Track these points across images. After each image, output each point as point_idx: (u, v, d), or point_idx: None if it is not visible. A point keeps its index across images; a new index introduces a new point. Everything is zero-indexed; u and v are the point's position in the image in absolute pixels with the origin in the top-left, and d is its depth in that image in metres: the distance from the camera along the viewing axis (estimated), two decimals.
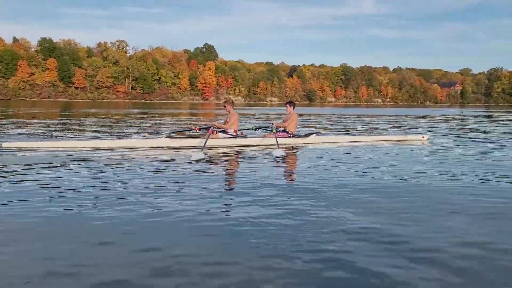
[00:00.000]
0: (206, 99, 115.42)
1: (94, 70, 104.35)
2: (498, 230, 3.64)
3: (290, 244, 3.16)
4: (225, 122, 9.72)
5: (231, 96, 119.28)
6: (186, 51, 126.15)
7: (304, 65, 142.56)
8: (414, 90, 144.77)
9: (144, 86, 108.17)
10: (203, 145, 8.21)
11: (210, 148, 8.80)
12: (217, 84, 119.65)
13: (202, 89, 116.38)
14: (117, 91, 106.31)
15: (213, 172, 6.39)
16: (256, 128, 10.28)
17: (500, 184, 5.64)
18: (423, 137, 11.29)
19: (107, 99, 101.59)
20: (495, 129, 17.57)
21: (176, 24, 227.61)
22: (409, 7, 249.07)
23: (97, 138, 10.71)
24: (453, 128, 17.83)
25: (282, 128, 9.93)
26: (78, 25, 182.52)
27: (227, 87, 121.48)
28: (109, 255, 2.95)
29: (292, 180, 5.80)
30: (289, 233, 3.41)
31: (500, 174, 6.31)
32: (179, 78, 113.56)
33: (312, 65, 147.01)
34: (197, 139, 9.24)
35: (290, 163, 7.55)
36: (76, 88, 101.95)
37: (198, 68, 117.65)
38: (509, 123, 22.56)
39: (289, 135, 9.84)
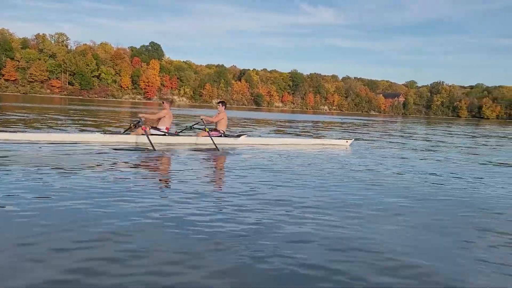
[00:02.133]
0: (149, 99, 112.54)
1: (27, 62, 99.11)
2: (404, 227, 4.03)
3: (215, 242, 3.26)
4: (158, 118, 9.83)
5: (175, 97, 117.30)
6: (132, 48, 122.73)
7: (254, 69, 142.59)
8: (359, 99, 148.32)
9: (82, 82, 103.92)
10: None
11: (143, 144, 8.85)
12: (161, 84, 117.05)
13: (145, 88, 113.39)
14: (52, 86, 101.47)
15: (144, 171, 6.29)
16: (191, 127, 10.86)
17: (411, 180, 6.60)
18: (346, 141, 11.96)
19: (40, 94, 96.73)
20: (411, 135, 19.66)
21: (133, 23, 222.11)
22: (366, 19, 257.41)
23: (31, 131, 10.36)
24: (375, 134, 19.60)
25: (214, 127, 10.33)
26: (31, 17, 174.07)
27: (172, 87, 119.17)
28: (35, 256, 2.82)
29: (218, 180, 5.94)
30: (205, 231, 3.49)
31: (410, 171, 7.54)
32: (121, 76, 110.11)
33: (264, 70, 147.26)
34: (131, 135, 9.30)
35: (219, 163, 7.74)
36: (6, 80, 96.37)
37: (142, 66, 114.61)
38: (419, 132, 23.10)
39: (220, 134, 10.18)
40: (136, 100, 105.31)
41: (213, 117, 10.43)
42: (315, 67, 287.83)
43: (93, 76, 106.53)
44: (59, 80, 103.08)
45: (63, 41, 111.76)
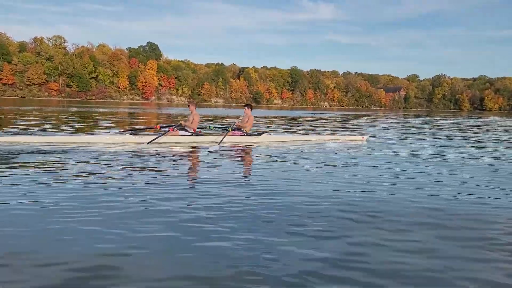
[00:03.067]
0: (147, 99, 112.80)
1: (25, 66, 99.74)
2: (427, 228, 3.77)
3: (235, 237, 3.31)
4: (191, 121, 10.32)
5: (173, 97, 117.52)
6: (130, 49, 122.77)
7: (254, 67, 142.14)
8: (360, 94, 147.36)
9: (79, 84, 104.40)
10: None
11: (171, 143, 9.45)
12: (158, 84, 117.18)
13: (143, 89, 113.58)
14: (50, 89, 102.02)
15: (171, 168, 6.54)
16: (213, 127, 11.22)
17: (424, 178, 6.26)
18: (362, 137, 12.24)
19: (38, 97, 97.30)
20: (426, 131, 18.94)
21: (133, 23, 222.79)
22: (367, 14, 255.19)
23: (60, 133, 10.80)
24: (391, 130, 19.47)
25: (238, 127, 10.77)
26: (31, 20, 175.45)
27: (169, 87, 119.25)
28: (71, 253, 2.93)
29: (242, 176, 6.04)
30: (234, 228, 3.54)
31: (426, 169, 7.11)
32: (118, 77, 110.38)
33: (264, 67, 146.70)
34: (158, 136, 9.49)
35: (243, 159, 8.06)
36: (4, 84, 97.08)
37: (139, 67, 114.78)
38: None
39: (243, 134, 10.64)
40: (134, 101, 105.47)
41: (245, 122, 10.90)
42: (316, 63, 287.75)
43: (90, 78, 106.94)
44: (56, 82, 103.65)
45: (61, 44, 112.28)
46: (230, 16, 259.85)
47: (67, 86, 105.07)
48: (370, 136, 12.89)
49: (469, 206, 4.60)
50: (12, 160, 6.45)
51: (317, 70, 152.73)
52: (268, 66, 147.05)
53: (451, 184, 5.83)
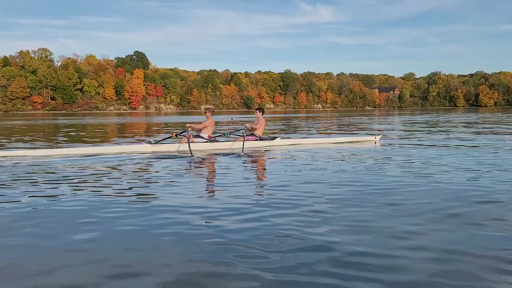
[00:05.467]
0: (134, 109, 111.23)
1: (8, 80, 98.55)
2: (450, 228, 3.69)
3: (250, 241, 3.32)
4: (203, 127, 10.43)
5: (161, 105, 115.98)
6: (118, 59, 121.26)
7: (246, 72, 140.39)
8: (353, 95, 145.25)
9: (64, 96, 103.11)
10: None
11: (186, 152, 9.26)
12: (146, 93, 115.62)
13: (129, 98, 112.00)
14: (34, 102, 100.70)
15: (189, 176, 6.71)
16: (228, 134, 11.14)
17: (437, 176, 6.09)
18: (375, 137, 12.30)
19: (22, 111, 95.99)
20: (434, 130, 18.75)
21: (133, 33, 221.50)
22: (366, 14, 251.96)
23: (78, 145, 11.18)
24: (400, 130, 19.76)
25: (250, 132, 10.65)
26: (33, 36, 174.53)
27: (157, 96, 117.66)
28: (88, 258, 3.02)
29: (259, 183, 5.94)
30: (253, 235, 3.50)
31: (438, 168, 6.88)
32: (104, 87, 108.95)
33: (259, 72, 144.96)
34: (176, 144, 9.90)
35: (258, 165, 8.02)
36: None
37: (125, 77, 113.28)
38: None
39: (257, 138, 10.62)
40: (121, 111, 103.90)
41: (256, 124, 10.84)
42: (314, 66, 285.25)
43: (76, 90, 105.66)
44: (41, 95, 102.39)
45: (46, 56, 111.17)
46: (229, 22, 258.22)
47: (51, 98, 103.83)
48: (382, 136, 13.11)
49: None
50: (41, 173, 6.47)
51: (310, 72, 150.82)
52: (265, 70, 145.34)
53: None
